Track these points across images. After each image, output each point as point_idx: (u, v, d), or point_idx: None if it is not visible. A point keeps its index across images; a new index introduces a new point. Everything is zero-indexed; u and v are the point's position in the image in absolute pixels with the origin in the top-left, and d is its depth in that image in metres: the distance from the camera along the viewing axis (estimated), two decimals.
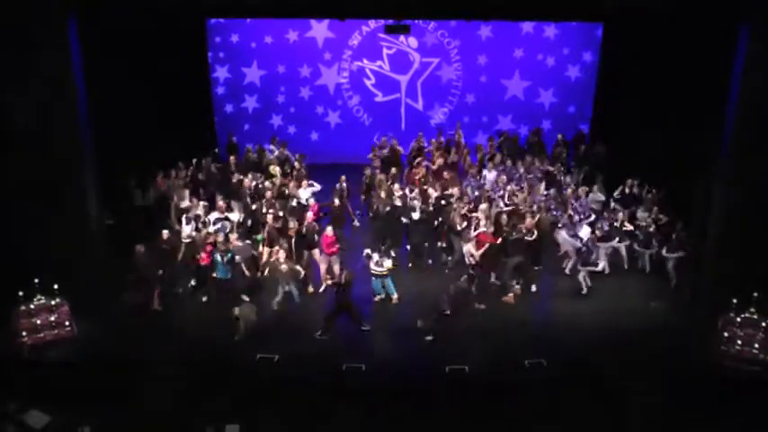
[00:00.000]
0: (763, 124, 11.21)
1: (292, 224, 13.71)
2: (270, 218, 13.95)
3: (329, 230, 13.43)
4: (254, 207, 14.95)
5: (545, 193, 15.58)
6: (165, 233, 13.41)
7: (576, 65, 19.73)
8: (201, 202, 15.07)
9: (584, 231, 13.90)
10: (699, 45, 13.67)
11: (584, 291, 13.35)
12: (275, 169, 16.71)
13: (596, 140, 18.64)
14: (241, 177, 16.15)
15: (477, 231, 13.54)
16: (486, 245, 13.16)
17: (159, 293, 12.78)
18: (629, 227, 14.31)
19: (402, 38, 19.61)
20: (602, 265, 13.69)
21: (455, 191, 15.27)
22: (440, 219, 14.42)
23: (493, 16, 14.50)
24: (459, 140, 18.44)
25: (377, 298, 13.19)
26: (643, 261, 14.25)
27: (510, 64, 19.86)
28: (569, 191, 15.55)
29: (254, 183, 15.89)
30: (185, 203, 15.26)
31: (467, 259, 13.58)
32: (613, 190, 15.87)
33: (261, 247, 13.94)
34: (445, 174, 16.49)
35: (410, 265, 14.57)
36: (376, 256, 12.91)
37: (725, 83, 11.81)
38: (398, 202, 14.73)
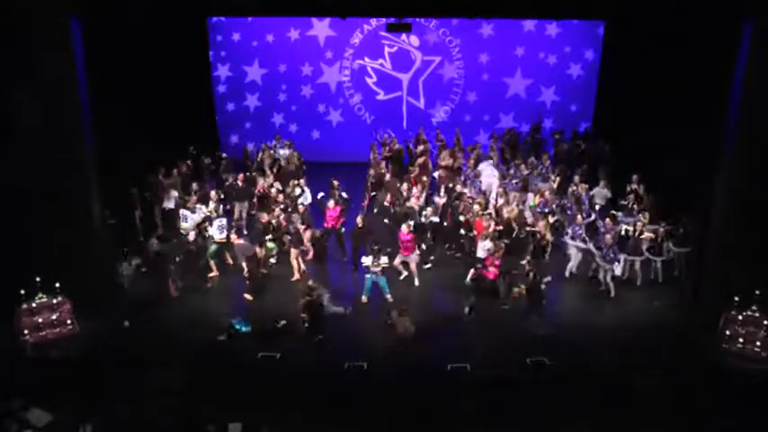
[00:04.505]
0: (766, 123, 11.18)
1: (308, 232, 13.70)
2: (268, 218, 13.89)
3: (405, 228, 13.17)
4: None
5: (564, 200, 15.28)
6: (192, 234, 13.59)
7: (578, 63, 19.72)
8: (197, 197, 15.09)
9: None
10: (700, 43, 13.63)
11: (613, 293, 13.09)
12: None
13: (597, 138, 18.62)
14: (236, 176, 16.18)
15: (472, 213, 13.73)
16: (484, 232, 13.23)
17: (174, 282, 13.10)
18: (646, 235, 13.54)
19: (403, 36, 19.61)
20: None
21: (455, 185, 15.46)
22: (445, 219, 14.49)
23: (494, 14, 14.49)
24: (457, 145, 18.37)
25: (363, 299, 12.95)
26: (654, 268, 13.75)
27: (511, 62, 19.86)
28: (570, 190, 15.50)
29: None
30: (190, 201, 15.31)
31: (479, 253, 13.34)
32: (616, 188, 15.77)
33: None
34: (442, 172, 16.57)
35: (424, 265, 14.45)
36: (369, 259, 12.72)
37: (727, 81, 11.76)
38: (412, 204, 14.69)
